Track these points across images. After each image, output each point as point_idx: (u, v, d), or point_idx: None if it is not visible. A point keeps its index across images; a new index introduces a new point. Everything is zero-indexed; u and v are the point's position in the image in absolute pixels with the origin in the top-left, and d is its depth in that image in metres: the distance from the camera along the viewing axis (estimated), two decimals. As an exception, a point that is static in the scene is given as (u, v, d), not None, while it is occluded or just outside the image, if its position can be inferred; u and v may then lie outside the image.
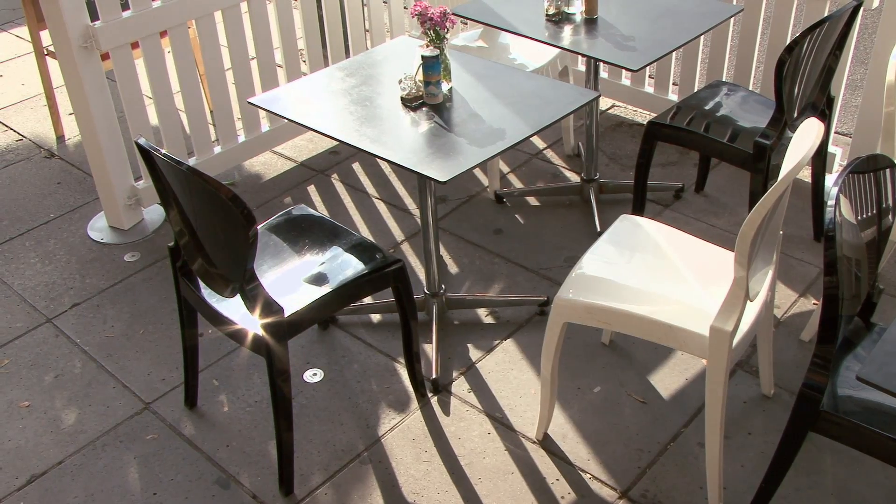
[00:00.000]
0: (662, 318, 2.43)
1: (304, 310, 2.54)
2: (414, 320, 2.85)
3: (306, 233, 2.85)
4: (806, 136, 2.30)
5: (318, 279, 2.66)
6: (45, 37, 4.08)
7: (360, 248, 2.78)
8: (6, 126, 4.81)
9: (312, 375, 3.08)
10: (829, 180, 3.73)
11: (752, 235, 2.15)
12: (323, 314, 2.62)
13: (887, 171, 2.28)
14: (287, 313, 2.48)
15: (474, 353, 3.14)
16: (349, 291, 2.66)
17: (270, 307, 2.43)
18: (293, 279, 2.67)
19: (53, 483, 2.75)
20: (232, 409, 2.97)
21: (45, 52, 4.40)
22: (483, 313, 3.32)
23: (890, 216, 2.34)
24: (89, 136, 3.68)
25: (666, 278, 2.60)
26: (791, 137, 3.29)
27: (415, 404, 2.95)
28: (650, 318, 2.43)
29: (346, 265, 2.70)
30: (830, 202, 2.06)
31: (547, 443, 2.79)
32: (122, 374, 3.13)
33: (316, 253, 2.77)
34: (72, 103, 3.64)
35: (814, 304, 3.29)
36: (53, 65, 4.30)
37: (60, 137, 4.65)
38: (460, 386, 3.01)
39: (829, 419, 2.18)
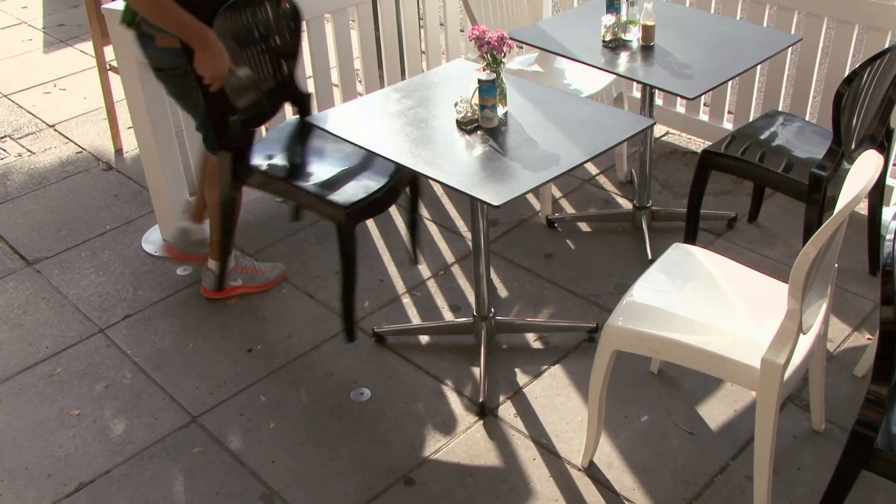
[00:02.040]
0: (713, 349, 2.40)
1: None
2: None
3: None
4: (864, 168, 2.27)
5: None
6: (109, 52, 4.16)
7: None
8: (67, 138, 4.90)
9: (360, 395, 3.09)
10: (887, 213, 3.68)
11: (808, 268, 2.13)
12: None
13: (948, 206, 2.24)
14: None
15: (522, 378, 3.13)
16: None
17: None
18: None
19: (100, 492, 2.78)
20: (278, 425, 2.99)
21: (108, 68, 4.48)
22: (531, 338, 3.31)
23: (950, 252, 2.30)
24: (147, 151, 3.73)
25: (718, 308, 2.57)
26: (848, 169, 3.25)
27: (461, 427, 2.94)
28: (701, 349, 2.41)
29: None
30: (888, 236, 2.03)
31: (592, 471, 2.77)
32: (171, 387, 3.16)
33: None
34: (131, 117, 3.71)
35: (868, 338, 3.24)
36: (115, 80, 4.38)
37: (119, 151, 4.73)
38: (507, 410, 3.00)
39: (883, 458, 2.13)
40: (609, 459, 2.80)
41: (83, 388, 3.18)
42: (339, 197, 3.07)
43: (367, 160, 3.23)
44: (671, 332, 2.48)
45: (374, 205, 3.11)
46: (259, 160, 3.28)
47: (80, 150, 4.79)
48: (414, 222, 3.69)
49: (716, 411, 2.96)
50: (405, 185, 3.24)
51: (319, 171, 3.25)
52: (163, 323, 3.47)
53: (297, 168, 3.28)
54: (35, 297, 3.65)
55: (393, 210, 4.09)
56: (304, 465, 2.84)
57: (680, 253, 2.80)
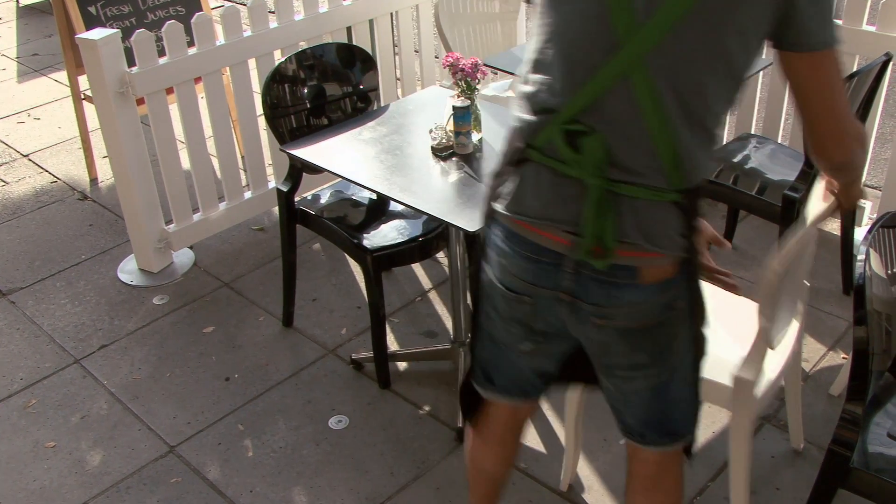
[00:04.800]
0: None
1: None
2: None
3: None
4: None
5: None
6: (83, 81, 4.16)
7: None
8: (42, 168, 4.88)
9: (338, 422, 3.08)
10: (859, 234, 3.71)
11: (775, 283, 2.14)
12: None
13: (918, 226, 2.27)
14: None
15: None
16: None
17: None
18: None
19: (77, 525, 2.75)
20: (256, 454, 2.97)
21: (82, 97, 4.48)
22: (509, 362, 3.31)
23: (921, 272, 2.32)
24: (122, 179, 3.73)
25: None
26: (820, 191, 3.29)
27: (440, 453, 2.94)
28: None
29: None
30: (860, 256, 2.05)
31: (571, 494, 2.77)
32: (148, 417, 3.14)
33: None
34: (106, 147, 3.70)
35: (843, 358, 3.26)
36: (90, 109, 4.37)
37: (94, 180, 4.72)
38: (485, 435, 3.00)
39: (859, 477, 2.15)
40: (588, 483, 2.80)
41: (58, 419, 3.15)
42: (368, 241, 3.08)
43: (410, 213, 3.22)
44: None
45: (402, 254, 3.11)
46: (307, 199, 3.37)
47: (54, 179, 4.77)
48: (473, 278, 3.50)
49: (694, 433, 2.96)
50: (442, 243, 3.20)
51: (356, 214, 3.29)
52: (139, 352, 3.45)
53: (336, 208, 3.33)
54: (9, 327, 3.62)
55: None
56: (282, 493, 2.82)
57: None
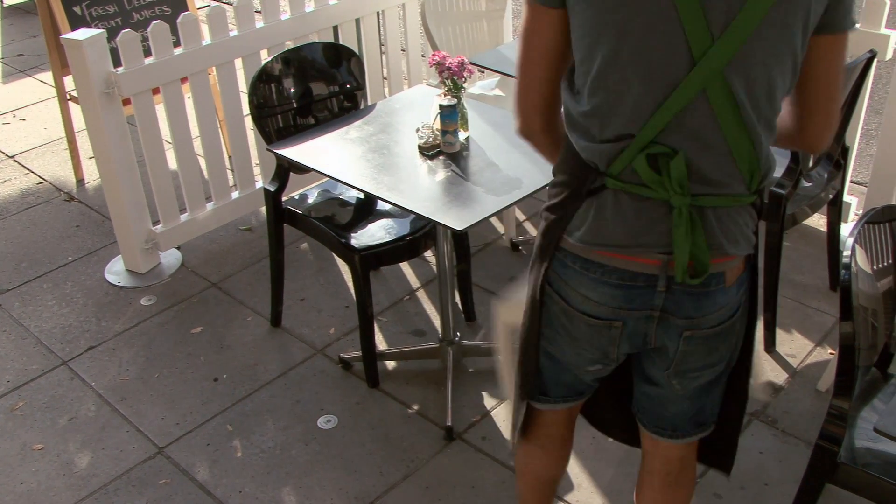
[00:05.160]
0: None
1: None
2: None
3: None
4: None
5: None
6: (69, 82, 4.14)
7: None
8: (27, 169, 4.86)
9: (327, 422, 3.08)
10: (845, 230, 3.73)
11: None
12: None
13: (903, 222, 2.28)
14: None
15: (489, 402, 3.13)
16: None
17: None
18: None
19: (66, 527, 2.74)
20: (245, 454, 2.96)
21: (68, 97, 4.46)
22: (498, 361, 3.32)
23: (906, 267, 2.33)
24: (109, 180, 3.71)
25: None
26: (807, 187, 3.30)
27: (429, 452, 2.94)
28: None
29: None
30: (846, 252, 2.06)
31: (561, 492, 2.77)
32: (136, 418, 3.13)
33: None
34: (93, 147, 3.69)
35: (830, 353, 3.27)
36: (76, 109, 4.35)
37: (80, 181, 4.70)
38: (475, 434, 3.00)
39: (846, 471, 2.16)
40: (578, 481, 2.81)
41: (46, 421, 3.14)
42: (356, 241, 3.07)
43: (397, 212, 3.21)
44: None
45: (390, 253, 3.11)
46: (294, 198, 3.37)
47: (40, 180, 4.75)
48: (461, 276, 3.49)
49: (682, 430, 2.97)
50: (430, 242, 3.19)
51: (344, 214, 3.28)
52: (127, 354, 3.44)
53: (324, 208, 3.32)
54: (-4, 330, 3.61)
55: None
56: (272, 494, 2.81)
57: None
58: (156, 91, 3.69)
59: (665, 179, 1.61)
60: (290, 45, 3.92)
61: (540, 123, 1.78)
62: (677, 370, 1.85)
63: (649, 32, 1.54)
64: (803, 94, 1.69)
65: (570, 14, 1.62)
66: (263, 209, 4.31)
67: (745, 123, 1.59)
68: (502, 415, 3.07)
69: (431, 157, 2.86)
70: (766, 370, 3.21)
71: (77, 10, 4.18)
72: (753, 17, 1.51)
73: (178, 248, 4.05)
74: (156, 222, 3.92)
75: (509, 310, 2.73)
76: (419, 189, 2.70)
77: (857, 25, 1.64)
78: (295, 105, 3.32)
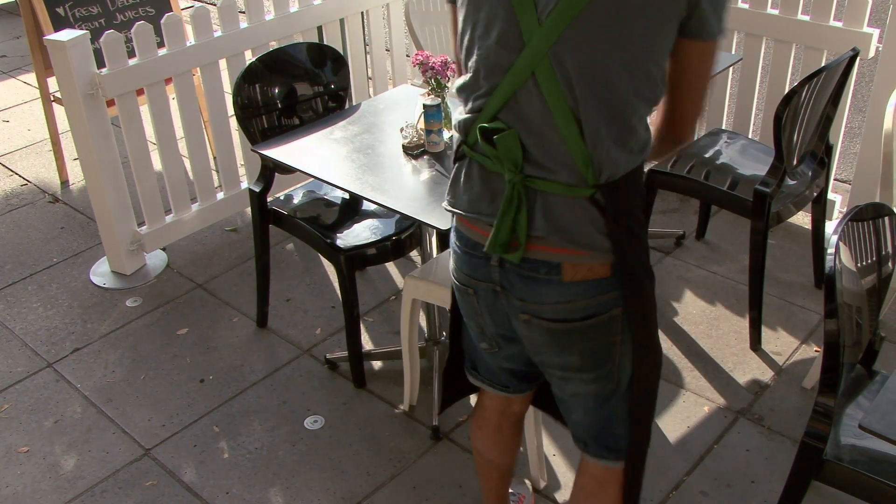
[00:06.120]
0: None
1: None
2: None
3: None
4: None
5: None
6: (52, 83, 4.12)
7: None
8: (11, 171, 4.84)
9: (313, 422, 3.07)
10: (829, 227, 3.75)
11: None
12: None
13: (886, 218, 2.29)
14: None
15: (475, 401, 3.13)
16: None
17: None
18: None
19: (52, 530, 2.73)
20: (232, 455, 2.96)
21: (52, 99, 4.44)
22: (484, 360, 3.32)
23: (890, 263, 2.35)
24: (93, 182, 3.70)
25: None
26: (791, 185, 3.32)
27: (416, 452, 2.94)
28: None
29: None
30: (830, 250, 2.07)
31: (548, 491, 2.78)
32: (122, 420, 3.12)
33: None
34: (77, 149, 3.67)
35: (815, 351, 3.29)
36: (59, 111, 4.33)
37: (65, 182, 4.68)
38: (462, 433, 3.00)
39: (832, 468, 2.17)
40: (565, 480, 2.81)
41: (32, 424, 3.12)
42: (341, 241, 3.07)
43: (382, 212, 3.22)
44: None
45: (375, 253, 3.12)
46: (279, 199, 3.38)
47: (24, 182, 4.73)
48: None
49: (669, 427, 2.98)
50: (415, 241, 3.20)
51: (329, 214, 3.27)
52: (113, 355, 3.42)
53: (309, 208, 3.31)
54: (-20, 333, 3.59)
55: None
56: (259, 495, 2.81)
57: None
58: (140, 92, 3.68)
59: (499, 154, 1.69)
60: (274, 45, 3.91)
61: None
62: (537, 362, 1.93)
63: (490, 20, 1.66)
64: (674, 90, 1.73)
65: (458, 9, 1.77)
66: (249, 210, 4.30)
67: (572, 110, 1.62)
68: (489, 414, 3.07)
69: (416, 157, 2.86)
70: (752, 368, 3.22)
71: (60, 10, 4.16)
72: (573, 4, 1.56)
73: (164, 249, 4.03)
74: (141, 223, 3.90)
75: (417, 286, 2.80)
76: (404, 189, 2.70)
77: (723, 36, 1.69)
78: (279, 105, 3.31)
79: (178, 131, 3.87)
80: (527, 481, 2.75)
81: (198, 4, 4.87)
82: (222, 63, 3.88)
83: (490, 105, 1.70)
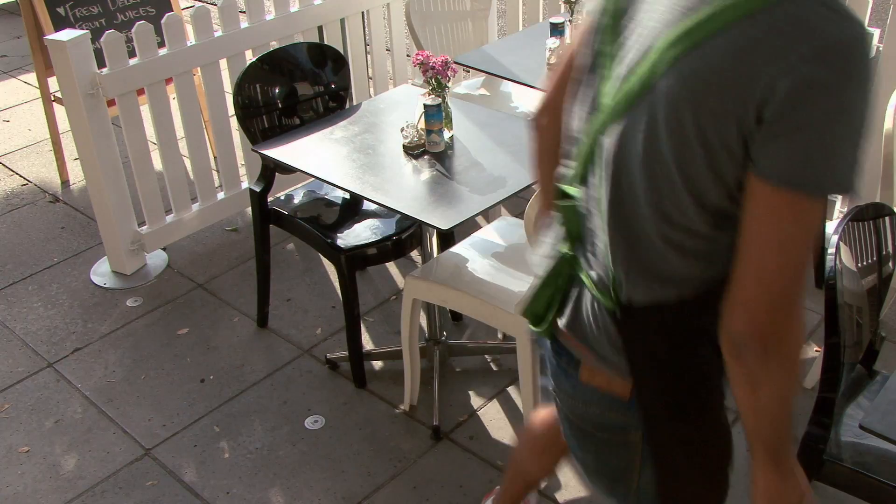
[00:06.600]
0: (483, 298, 2.67)
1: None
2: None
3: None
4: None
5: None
6: (53, 83, 4.12)
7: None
8: (12, 171, 4.84)
9: (314, 422, 3.07)
10: (830, 227, 3.74)
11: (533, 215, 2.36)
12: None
13: (887, 218, 2.29)
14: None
15: (476, 401, 3.13)
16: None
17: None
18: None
19: (52, 530, 2.73)
20: (233, 455, 2.96)
21: (52, 98, 4.44)
22: (485, 360, 3.32)
23: (890, 263, 2.35)
24: (94, 181, 3.70)
25: (511, 271, 2.82)
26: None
27: (416, 452, 2.94)
28: (473, 297, 2.69)
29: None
30: (831, 250, 2.07)
31: (549, 490, 2.78)
32: (123, 420, 3.12)
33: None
34: (77, 148, 3.67)
35: (816, 350, 3.29)
36: (60, 110, 4.33)
37: (65, 182, 4.68)
38: (462, 433, 3.00)
39: (832, 468, 2.17)
40: (565, 480, 2.81)
41: (32, 424, 3.13)
42: (342, 241, 3.07)
43: (383, 211, 3.21)
44: (457, 284, 2.75)
45: (376, 253, 3.12)
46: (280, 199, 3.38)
47: (25, 182, 4.73)
48: None
49: (669, 427, 2.98)
50: (416, 241, 3.19)
51: (330, 214, 3.27)
52: (113, 355, 3.43)
53: (309, 208, 3.31)
54: (-19, 333, 3.59)
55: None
56: (259, 494, 2.81)
57: (504, 223, 3.08)
58: (140, 92, 3.68)
59: (563, 222, 1.56)
60: (274, 45, 3.91)
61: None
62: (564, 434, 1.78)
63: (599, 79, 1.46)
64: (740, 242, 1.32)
65: None
66: (249, 210, 4.30)
67: (609, 218, 1.41)
68: (490, 414, 3.07)
69: (416, 157, 2.86)
70: None
71: (61, 10, 4.16)
72: (641, 84, 1.30)
73: (164, 249, 4.03)
74: (141, 223, 3.90)
75: (418, 285, 2.82)
76: (404, 189, 2.70)
77: (811, 190, 1.24)
78: (280, 105, 3.31)
79: (179, 131, 3.87)
80: None
81: (198, 4, 4.87)
82: (223, 63, 3.88)
83: (576, 167, 1.49)
